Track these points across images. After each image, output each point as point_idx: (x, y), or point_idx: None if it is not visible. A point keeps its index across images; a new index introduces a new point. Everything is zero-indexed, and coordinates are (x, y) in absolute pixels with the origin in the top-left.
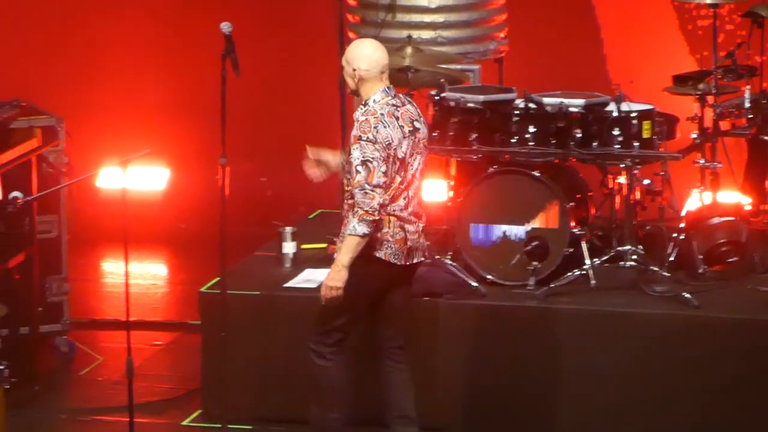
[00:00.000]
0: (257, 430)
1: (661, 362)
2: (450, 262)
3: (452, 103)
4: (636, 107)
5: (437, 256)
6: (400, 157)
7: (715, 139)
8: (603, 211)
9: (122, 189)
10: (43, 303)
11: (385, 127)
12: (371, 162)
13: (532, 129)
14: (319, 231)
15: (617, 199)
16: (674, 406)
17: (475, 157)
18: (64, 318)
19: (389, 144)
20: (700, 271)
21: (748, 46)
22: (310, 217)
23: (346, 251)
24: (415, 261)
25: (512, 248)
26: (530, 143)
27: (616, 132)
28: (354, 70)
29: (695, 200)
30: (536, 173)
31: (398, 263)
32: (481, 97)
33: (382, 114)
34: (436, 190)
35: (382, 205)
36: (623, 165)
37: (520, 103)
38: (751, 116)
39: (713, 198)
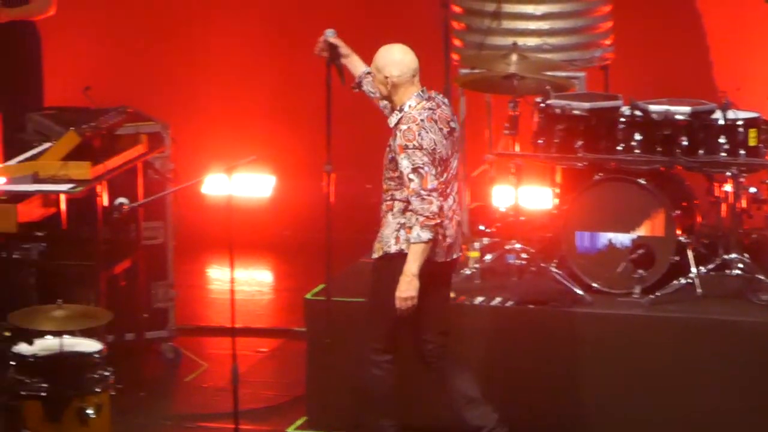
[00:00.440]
0: None
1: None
2: (555, 270)
3: (558, 111)
4: (742, 115)
5: (542, 264)
6: (443, 158)
7: None
8: (709, 220)
9: (228, 196)
10: (148, 309)
11: (427, 132)
12: (422, 168)
13: (637, 136)
14: None
15: (723, 207)
16: None
17: (580, 164)
18: (170, 324)
19: (434, 149)
20: None
21: None
22: None
23: (413, 259)
24: (454, 256)
25: (618, 256)
26: (636, 151)
27: (722, 140)
28: (386, 77)
29: None
30: (642, 181)
31: (439, 260)
32: (587, 105)
33: (422, 120)
34: (540, 197)
35: (440, 208)
36: (729, 173)
37: (625, 110)
38: None
39: None
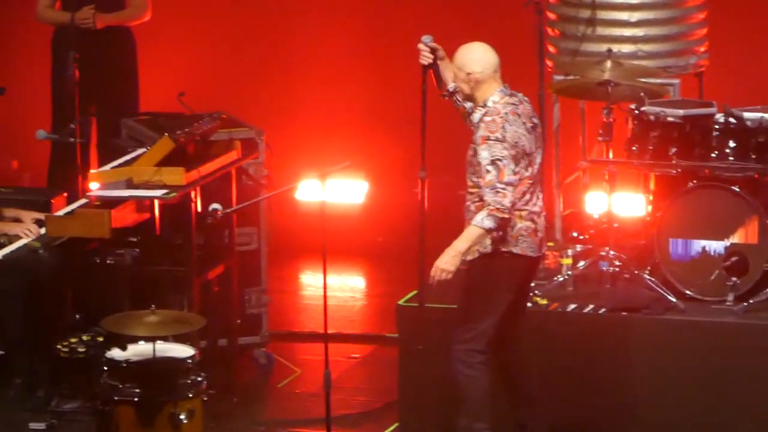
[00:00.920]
0: None
1: None
2: (648, 277)
3: (652, 117)
4: None
5: (635, 271)
6: (527, 152)
7: None
8: None
9: (321, 202)
10: (242, 315)
11: (510, 125)
12: (501, 161)
13: (732, 143)
14: None
15: None
16: None
17: (674, 171)
18: (263, 330)
19: (517, 142)
20: None
21: None
22: None
23: (465, 239)
24: (544, 251)
25: (711, 263)
26: (730, 158)
27: None
28: (468, 74)
29: None
30: (736, 188)
31: (534, 255)
32: (681, 112)
33: (506, 113)
34: (634, 204)
35: (512, 204)
36: None
37: (720, 117)
38: None
39: None
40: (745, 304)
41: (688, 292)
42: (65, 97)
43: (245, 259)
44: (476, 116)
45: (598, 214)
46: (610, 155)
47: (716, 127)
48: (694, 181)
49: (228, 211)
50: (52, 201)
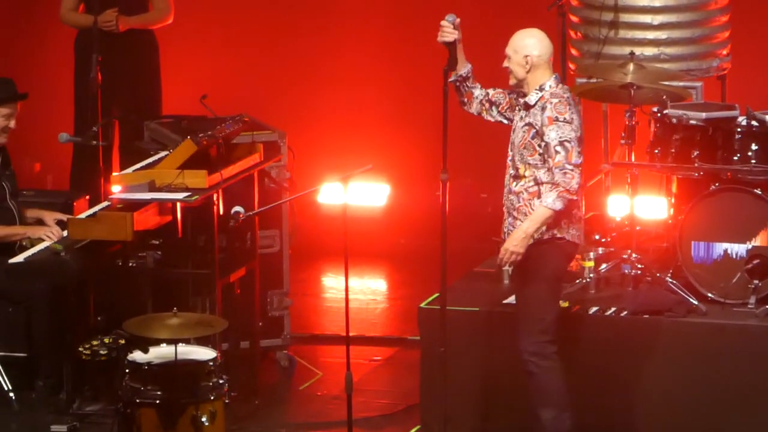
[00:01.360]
0: None
1: None
2: (670, 279)
3: (674, 120)
4: None
5: (657, 274)
6: (582, 140)
7: None
8: None
9: (343, 204)
10: (264, 317)
11: (573, 110)
12: (569, 142)
13: (754, 146)
14: None
15: None
16: None
17: (696, 174)
18: (285, 332)
19: (579, 125)
20: None
21: None
22: None
23: (535, 221)
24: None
25: (733, 266)
26: (752, 161)
27: None
28: (526, 56)
29: None
30: (758, 191)
31: (577, 242)
32: (704, 114)
33: (568, 97)
34: (656, 207)
35: (580, 185)
36: None
37: (742, 120)
38: None
39: None
40: (767, 306)
41: (710, 294)
42: (88, 100)
43: (267, 262)
44: (532, 98)
45: (620, 216)
46: (633, 158)
47: (738, 130)
48: (717, 184)
49: (250, 213)
50: (75, 204)
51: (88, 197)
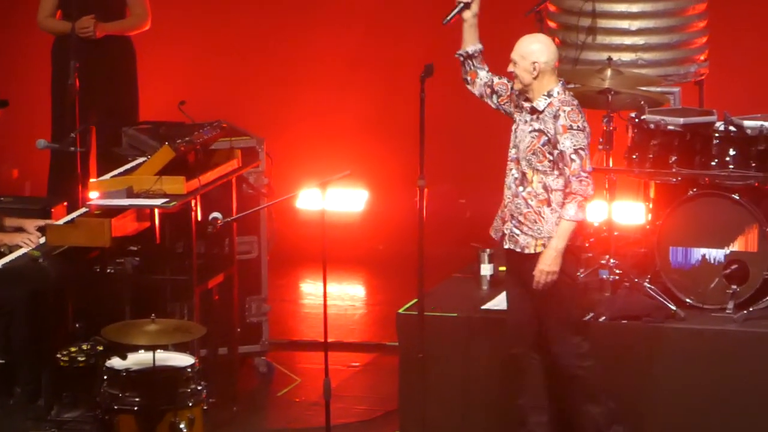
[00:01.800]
0: None
1: None
2: (648, 285)
3: (652, 126)
4: None
5: (635, 279)
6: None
7: None
8: None
9: (321, 210)
10: (242, 323)
11: (584, 116)
12: (583, 150)
13: (732, 152)
14: None
15: None
16: None
17: (674, 179)
18: (263, 339)
19: (590, 132)
20: None
21: None
22: None
23: (562, 237)
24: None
25: (711, 271)
26: (730, 166)
27: None
28: (534, 62)
29: None
30: (736, 196)
31: (581, 244)
32: (681, 120)
33: (578, 104)
34: (634, 212)
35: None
36: None
37: (720, 125)
38: None
39: None
40: (746, 312)
41: (688, 300)
42: (66, 106)
43: (245, 268)
44: (540, 104)
45: (598, 222)
46: (611, 163)
47: (716, 135)
48: (695, 190)
49: (228, 219)
50: (53, 210)
51: (66, 203)
